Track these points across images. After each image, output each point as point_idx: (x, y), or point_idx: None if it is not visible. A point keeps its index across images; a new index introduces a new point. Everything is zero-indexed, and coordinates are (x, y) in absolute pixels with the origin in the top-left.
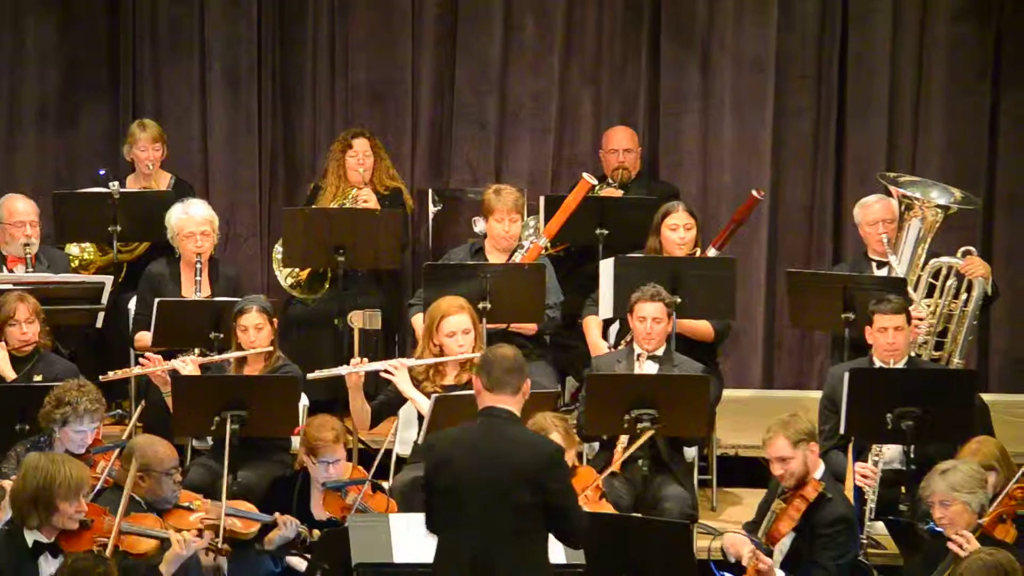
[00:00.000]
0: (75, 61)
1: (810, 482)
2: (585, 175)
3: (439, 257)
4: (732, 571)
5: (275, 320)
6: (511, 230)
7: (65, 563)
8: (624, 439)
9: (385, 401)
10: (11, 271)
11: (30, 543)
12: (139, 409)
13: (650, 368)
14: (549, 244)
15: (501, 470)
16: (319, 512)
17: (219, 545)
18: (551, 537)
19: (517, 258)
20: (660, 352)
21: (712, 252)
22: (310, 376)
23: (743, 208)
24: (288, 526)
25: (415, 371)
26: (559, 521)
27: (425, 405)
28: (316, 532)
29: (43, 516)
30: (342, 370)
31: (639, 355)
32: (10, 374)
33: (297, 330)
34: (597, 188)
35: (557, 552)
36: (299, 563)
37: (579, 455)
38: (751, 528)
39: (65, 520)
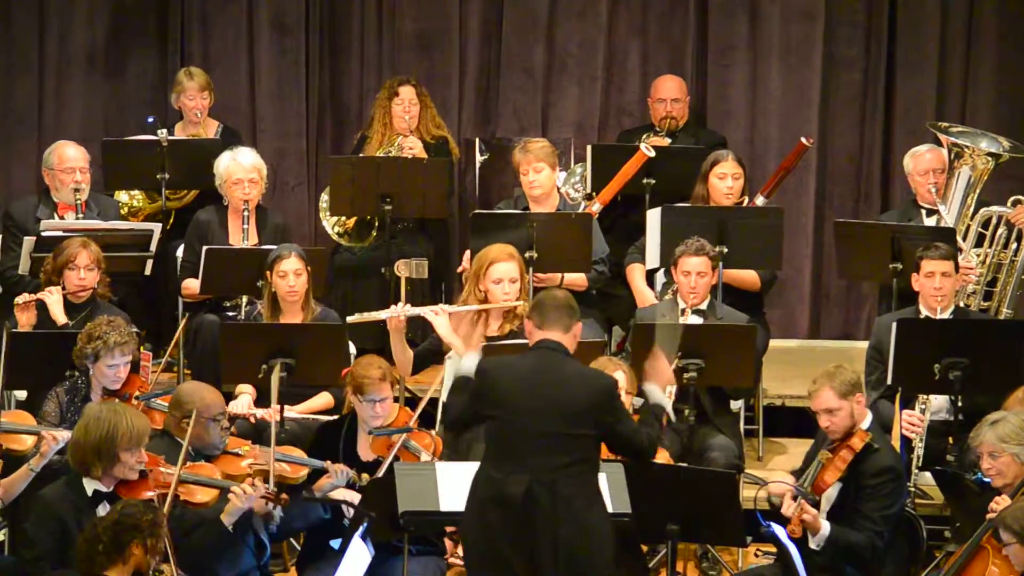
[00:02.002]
0: (123, 8)
1: (857, 433)
2: (642, 146)
3: (486, 206)
4: (778, 521)
5: (309, 268)
6: (536, 179)
7: (115, 508)
8: (672, 390)
9: (428, 348)
10: (62, 218)
11: (89, 492)
12: (181, 326)
13: (694, 321)
14: (587, 190)
15: (555, 403)
16: (365, 454)
17: (277, 494)
18: (601, 484)
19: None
20: (704, 306)
21: (760, 200)
22: (350, 319)
23: (791, 156)
24: (339, 474)
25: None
26: (625, 448)
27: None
28: (365, 476)
29: (105, 466)
30: (383, 314)
31: (683, 310)
32: (61, 318)
33: (344, 278)
34: (645, 137)
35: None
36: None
37: None
38: (798, 476)
39: (126, 470)
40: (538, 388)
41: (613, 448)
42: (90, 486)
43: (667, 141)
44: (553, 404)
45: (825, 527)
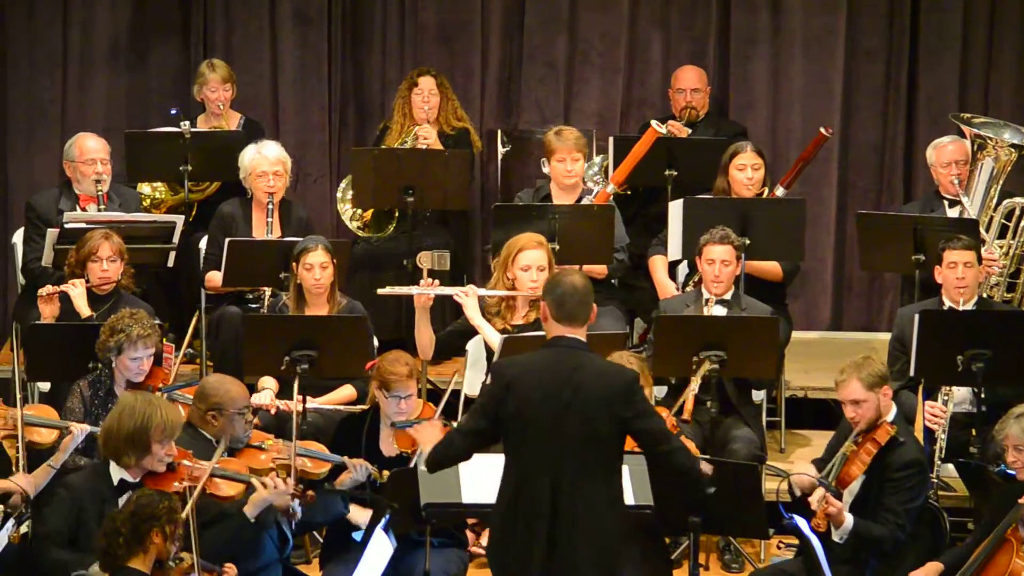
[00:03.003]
0: (146, 0)
1: (882, 425)
2: (653, 123)
3: (508, 198)
4: (801, 513)
5: (335, 260)
6: (573, 169)
7: (130, 500)
8: (695, 387)
9: (453, 331)
10: (84, 210)
11: (115, 481)
12: (195, 319)
13: (718, 312)
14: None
15: (577, 402)
16: (388, 449)
17: (304, 490)
18: (623, 476)
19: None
20: (728, 296)
21: (780, 191)
22: (379, 291)
23: (811, 146)
24: (359, 469)
25: (486, 303)
26: (659, 443)
27: (491, 335)
28: (386, 473)
29: (137, 456)
30: (412, 289)
31: (707, 300)
32: (85, 311)
33: (362, 270)
34: (665, 124)
35: (626, 494)
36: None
37: None
38: (819, 465)
39: (155, 462)
40: (558, 388)
41: (640, 443)
42: (117, 475)
43: (687, 131)
44: (574, 404)
45: (848, 520)
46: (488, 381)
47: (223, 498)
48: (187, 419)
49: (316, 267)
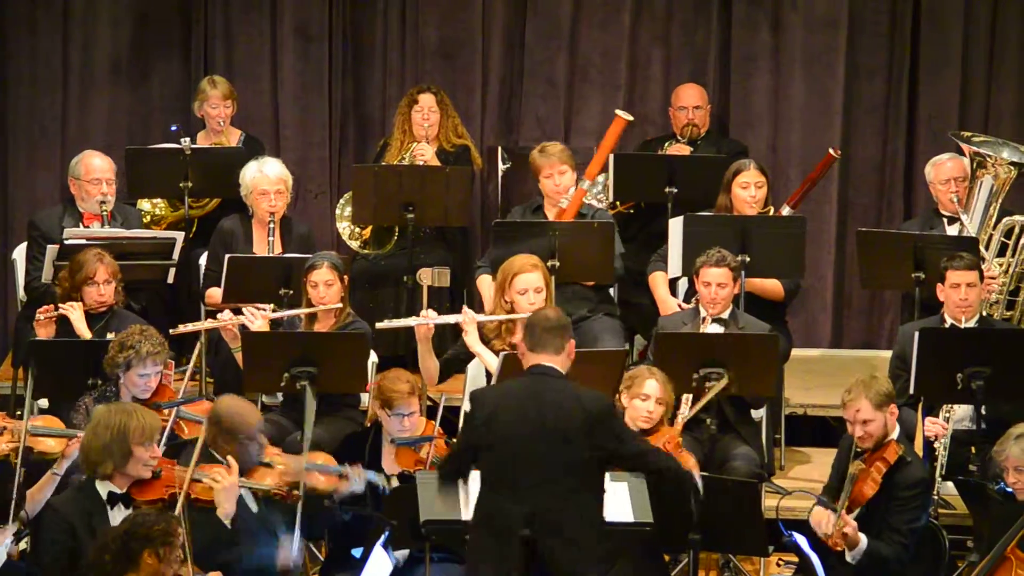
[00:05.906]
0: (147, 18)
1: (890, 444)
2: (619, 112)
3: (507, 215)
4: (800, 531)
5: (345, 277)
6: (561, 182)
7: (127, 518)
8: (688, 397)
9: (453, 356)
10: (87, 227)
11: (103, 495)
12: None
13: (715, 330)
14: (610, 199)
15: (551, 428)
16: (391, 467)
17: (289, 490)
18: (619, 494)
19: (563, 205)
20: (725, 315)
21: (786, 211)
22: (379, 325)
23: (819, 167)
24: (356, 480)
25: (485, 328)
26: (647, 465)
27: (490, 361)
28: (394, 480)
29: (118, 462)
30: (411, 321)
31: (704, 318)
32: (86, 333)
33: (360, 287)
34: (667, 145)
35: (625, 510)
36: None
37: None
38: (829, 491)
39: (139, 467)
40: (532, 414)
41: (627, 468)
42: (104, 489)
43: (689, 149)
44: (548, 430)
45: (863, 541)
46: (467, 408)
47: (208, 502)
48: (202, 441)
49: (320, 284)
